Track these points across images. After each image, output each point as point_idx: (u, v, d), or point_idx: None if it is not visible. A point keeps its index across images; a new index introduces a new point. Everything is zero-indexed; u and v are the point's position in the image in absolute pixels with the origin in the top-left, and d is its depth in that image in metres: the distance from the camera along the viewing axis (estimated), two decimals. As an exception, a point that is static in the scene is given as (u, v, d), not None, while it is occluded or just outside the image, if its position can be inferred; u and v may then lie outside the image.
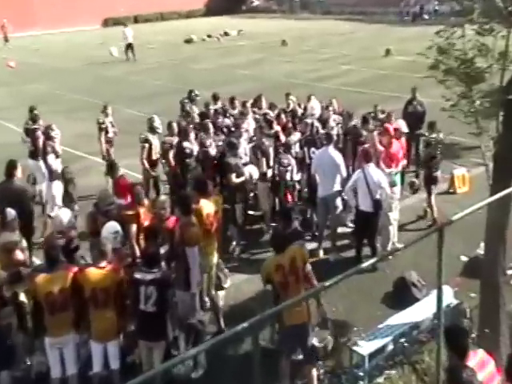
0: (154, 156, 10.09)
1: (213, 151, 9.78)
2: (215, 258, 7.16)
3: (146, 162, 10.07)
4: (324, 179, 9.05)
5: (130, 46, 28.69)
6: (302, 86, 19.58)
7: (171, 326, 6.10)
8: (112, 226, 6.49)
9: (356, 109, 12.34)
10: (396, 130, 9.66)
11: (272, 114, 11.23)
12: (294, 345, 5.94)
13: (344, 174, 9.13)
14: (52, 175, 9.73)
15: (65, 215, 6.88)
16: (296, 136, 10.42)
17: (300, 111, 11.69)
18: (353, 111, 11.25)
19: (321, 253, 9.14)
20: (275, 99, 12.50)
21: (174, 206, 7.87)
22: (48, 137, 10.37)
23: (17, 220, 6.82)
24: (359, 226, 8.84)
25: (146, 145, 9.99)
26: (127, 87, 22.67)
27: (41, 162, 10.39)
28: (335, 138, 9.67)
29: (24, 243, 6.70)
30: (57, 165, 9.90)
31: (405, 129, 10.21)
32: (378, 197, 8.52)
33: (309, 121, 10.53)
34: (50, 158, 9.86)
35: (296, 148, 10.13)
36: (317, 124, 10.42)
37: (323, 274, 7.77)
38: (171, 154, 9.86)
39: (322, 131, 10.08)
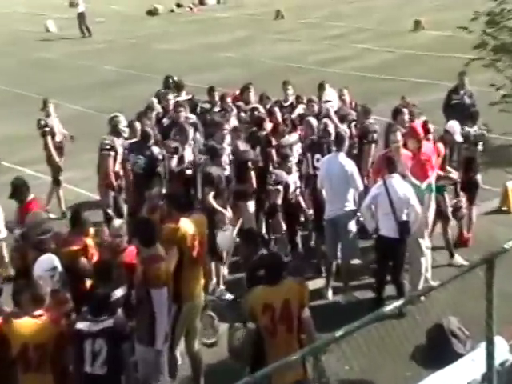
0: (118, 167, 10.16)
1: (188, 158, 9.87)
2: (201, 299, 7.18)
3: (112, 176, 10.06)
4: (332, 195, 9.10)
5: (81, 17, 28.76)
6: (304, 72, 19.79)
7: None
8: (47, 261, 6.48)
9: (374, 101, 12.47)
10: (424, 127, 9.72)
11: (262, 110, 11.31)
12: None
13: (359, 187, 9.19)
14: None
15: None
16: (293, 137, 10.47)
17: (301, 108, 11.72)
18: (370, 105, 11.36)
19: (329, 293, 9.17)
20: (268, 90, 12.61)
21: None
22: None
23: None
24: (380, 257, 8.88)
25: (112, 153, 10.01)
26: (70, 75, 22.83)
27: None
28: (347, 140, 9.73)
29: None
30: None
31: (458, 136, 9.88)
32: (404, 218, 8.58)
33: (312, 120, 10.61)
34: None
35: (294, 154, 10.17)
36: (334, 120, 10.43)
37: (332, 322, 7.85)
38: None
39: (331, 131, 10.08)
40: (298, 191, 9.57)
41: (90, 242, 7.11)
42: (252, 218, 9.69)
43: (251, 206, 9.70)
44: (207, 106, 12.03)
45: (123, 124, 10.17)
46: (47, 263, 6.46)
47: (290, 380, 5.80)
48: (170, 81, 12.98)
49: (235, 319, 7.22)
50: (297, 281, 6.34)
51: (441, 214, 9.81)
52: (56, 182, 11.89)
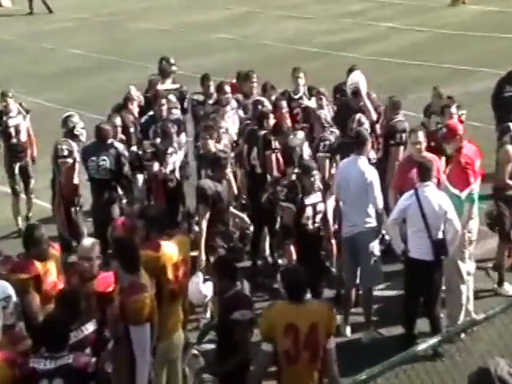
0: (77, 178, 10.19)
1: (169, 165, 9.91)
2: (180, 336, 7.18)
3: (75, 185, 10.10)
4: (350, 208, 9.14)
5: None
6: (316, 57, 19.83)
7: None
8: None
9: (403, 93, 12.50)
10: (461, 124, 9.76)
11: (268, 104, 11.35)
12: None
13: (378, 203, 9.18)
14: None
15: None
16: (299, 135, 10.48)
17: (312, 101, 11.74)
18: (398, 97, 11.40)
19: (347, 329, 9.18)
20: (272, 79, 12.64)
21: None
22: None
23: None
24: (410, 285, 8.88)
25: (70, 160, 10.03)
26: (27, 60, 22.94)
27: None
28: (369, 140, 9.73)
29: None
30: None
31: None
32: (440, 236, 8.60)
33: (323, 113, 10.65)
34: None
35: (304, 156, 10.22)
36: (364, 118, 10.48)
37: (352, 364, 7.88)
38: None
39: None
40: (318, 218, 9.05)
41: (48, 266, 7.11)
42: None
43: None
44: (200, 97, 12.07)
45: (80, 125, 10.24)
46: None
47: None
48: (164, 63, 13.01)
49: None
50: (326, 304, 6.57)
51: (500, 231, 9.88)
52: (14, 193, 11.96)
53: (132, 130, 11.07)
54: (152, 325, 6.33)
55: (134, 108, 11.55)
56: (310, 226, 8.92)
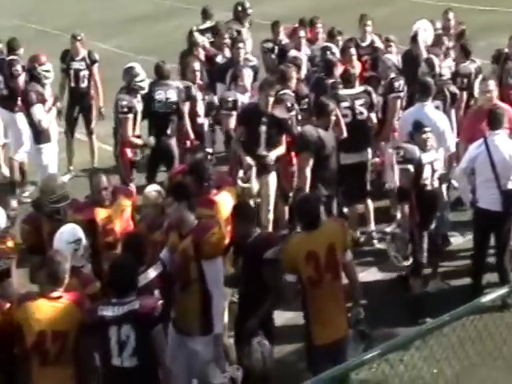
0: (139, 129, 10.21)
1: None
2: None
3: (134, 141, 10.08)
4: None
5: None
6: (385, 3, 19.42)
7: None
8: (71, 232, 6.50)
9: (473, 39, 12.16)
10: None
11: (336, 51, 11.16)
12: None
13: (451, 148, 9.11)
14: (40, 136, 10.31)
15: None
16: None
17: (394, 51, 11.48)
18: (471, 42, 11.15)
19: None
20: (340, 26, 12.43)
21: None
22: (33, 76, 10.69)
23: None
24: (479, 236, 8.78)
25: (130, 115, 10.00)
26: (95, 7, 22.84)
27: (18, 115, 10.76)
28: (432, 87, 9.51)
29: None
30: (46, 120, 10.34)
31: None
32: (510, 186, 8.45)
33: (390, 58, 10.48)
34: (38, 109, 10.28)
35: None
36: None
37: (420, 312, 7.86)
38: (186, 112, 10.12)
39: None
40: (436, 175, 8.61)
41: (110, 213, 7.19)
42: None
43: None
44: (269, 45, 11.95)
45: (141, 77, 10.11)
46: (70, 234, 6.47)
47: (334, 337, 6.37)
48: (239, 8, 12.88)
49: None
50: (338, 222, 6.82)
51: None
52: (68, 135, 12.12)
53: (198, 75, 11.01)
54: (224, 260, 6.49)
55: (200, 53, 11.48)
56: (429, 187, 8.54)
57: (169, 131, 10.15)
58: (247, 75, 10.39)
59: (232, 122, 9.75)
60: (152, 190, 7.46)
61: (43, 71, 10.58)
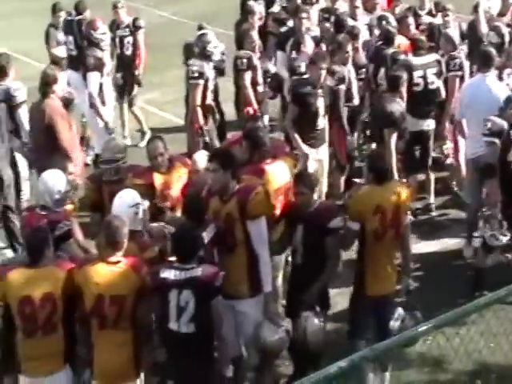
0: (209, 99, 10.10)
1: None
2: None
3: (199, 112, 10.00)
4: (476, 129, 8.83)
5: None
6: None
7: (222, 361, 6.14)
8: (130, 196, 6.50)
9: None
10: None
11: (392, 20, 10.99)
12: (369, 322, 6.69)
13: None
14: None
15: (55, 179, 6.87)
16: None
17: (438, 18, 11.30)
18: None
19: (469, 251, 9.00)
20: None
21: None
22: (91, 42, 10.83)
23: None
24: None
25: (201, 81, 9.95)
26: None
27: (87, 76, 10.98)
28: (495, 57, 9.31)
29: None
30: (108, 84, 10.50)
31: None
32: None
33: (451, 33, 10.29)
34: (93, 76, 10.47)
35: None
36: None
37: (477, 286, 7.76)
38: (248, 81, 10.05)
39: None
40: None
41: (169, 179, 7.23)
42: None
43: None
44: (326, 14, 11.76)
45: (213, 44, 10.07)
46: (130, 198, 6.48)
47: (382, 291, 6.60)
48: None
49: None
50: (404, 184, 7.03)
51: None
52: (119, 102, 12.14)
53: (257, 44, 10.94)
54: (269, 222, 6.46)
55: (255, 22, 11.39)
56: None
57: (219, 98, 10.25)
58: (309, 43, 10.32)
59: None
60: (202, 155, 7.44)
61: (100, 35, 10.68)
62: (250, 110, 10.18)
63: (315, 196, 6.76)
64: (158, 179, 7.24)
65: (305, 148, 8.89)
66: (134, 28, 11.87)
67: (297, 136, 8.90)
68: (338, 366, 3.88)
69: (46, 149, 8.68)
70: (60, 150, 8.63)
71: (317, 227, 6.43)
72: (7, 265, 6.11)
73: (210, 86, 9.97)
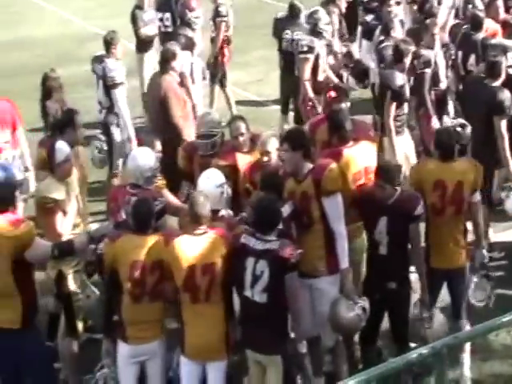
0: (321, 75, 9.73)
1: None
2: (363, 244, 7.04)
3: (307, 85, 9.71)
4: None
5: None
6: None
7: (296, 336, 6.10)
8: (217, 175, 6.51)
9: None
10: None
11: (478, 3, 10.67)
12: (436, 294, 6.62)
13: None
14: None
15: (146, 157, 6.77)
16: None
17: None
18: None
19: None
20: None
21: None
22: (183, 21, 10.83)
23: (70, 159, 6.81)
24: None
25: (310, 56, 9.63)
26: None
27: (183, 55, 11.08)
28: None
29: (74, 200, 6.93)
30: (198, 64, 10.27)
31: None
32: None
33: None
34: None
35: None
36: None
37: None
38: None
39: None
40: None
41: (245, 158, 7.15)
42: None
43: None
44: None
45: (325, 21, 9.75)
46: (217, 177, 6.49)
47: (448, 265, 6.53)
48: None
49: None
50: (471, 161, 6.87)
51: None
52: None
53: (337, 26, 10.81)
54: (343, 197, 6.36)
55: (342, 3, 11.24)
56: None
57: (296, 72, 10.03)
58: (398, 29, 10.19)
59: None
60: (271, 136, 7.35)
61: (193, 17, 10.71)
62: (332, 93, 10.03)
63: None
64: (241, 160, 7.23)
65: (395, 139, 8.78)
66: (216, 14, 11.84)
67: (393, 127, 8.81)
68: (419, 353, 3.89)
69: (158, 123, 8.77)
70: (172, 128, 8.66)
71: (402, 216, 6.34)
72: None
73: (322, 64, 9.66)
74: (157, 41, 11.57)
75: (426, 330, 6.37)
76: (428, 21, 9.86)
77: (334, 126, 7.05)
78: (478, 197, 6.64)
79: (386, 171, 6.48)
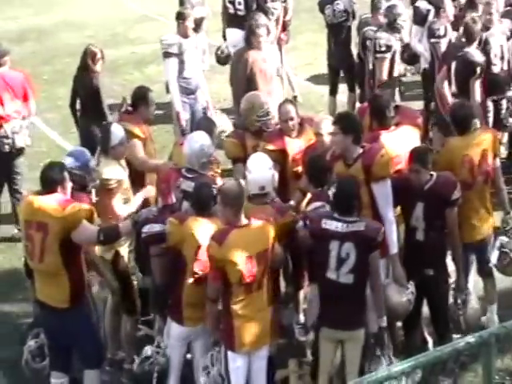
0: (396, 70, 9.49)
1: None
2: None
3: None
4: None
5: None
6: None
7: (377, 311, 6.01)
8: (267, 159, 6.41)
9: None
10: None
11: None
12: (470, 270, 6.85)
13: None
14: None
15: (203, 142, 6.62)
16: None
17: None
18: None
19: None
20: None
21: None
22: (261, 7, 10.66)
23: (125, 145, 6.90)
24: None
25: (388, 55, 9.29)
26: None
27: None
28: None
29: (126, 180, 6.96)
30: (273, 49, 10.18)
31: None
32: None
33: None
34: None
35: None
36: None
37: None
38: None
39: None
40: None
41: (299, 143, 7.15)
42: None
43: None
44: None
45: (404, 17, 9.43)
46: (267, 160, 6.40)
47: (479, 236, 6.71)
48: None
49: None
50: (490, 130, 7.14)
51: None
52: None
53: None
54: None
55: None
56: None
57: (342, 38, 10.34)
58: (450, 8, 10.02)
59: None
60: (325, 118, 7.30)
61: (272, 8, 10.54)
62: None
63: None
64: (289, 144, 7.21)
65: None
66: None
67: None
68: (466, 342, 3.87)
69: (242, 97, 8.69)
70: None
71: (439, 201, 6.28)
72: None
73: (397, 59, 9.44)
74: (205, 23, 11.56)
75: (459, 316, 6.37)
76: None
77: (375, 110, 7.04)
78: (498, 162, 6.83)
79: (419, 154, 6.43)
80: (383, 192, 6.25)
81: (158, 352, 5.87)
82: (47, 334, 6.02)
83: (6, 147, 8.58)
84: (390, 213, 6.29)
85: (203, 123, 7.37)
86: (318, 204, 6.25)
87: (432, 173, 6.32)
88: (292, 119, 7.21)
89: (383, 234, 5.82)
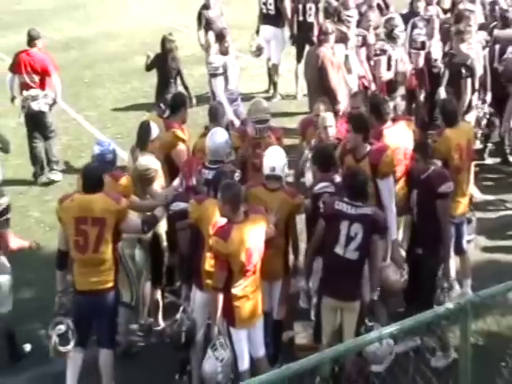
0: (392, 75, 9.07)
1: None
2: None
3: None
4: None
5: None
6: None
7: (372, 286, 6.02)
8: (281, 154, 6.24)
9: None
10: None
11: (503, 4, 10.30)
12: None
13: None
14: None
15: (224, 136, 6.47)
16: None
17: None
18: None
19: None
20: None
21: None
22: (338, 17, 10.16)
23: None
24: None
25: (383, 58, 9.09)
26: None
27: (281, 30, 10.94)
28: None
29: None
30: (353, 56, 9.77)
31: None
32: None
33: None
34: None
35: None
36: None
37: None
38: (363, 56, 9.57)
39: None
40: None
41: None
42: None
43: None
44: None
45: (400, 29, 9.14)
46: (281, 155, 6.24)
47: (463, 212, 6.84)
48: None
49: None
50: (469, 123, 7.55)
51: None
52: None
53: (369, 23, 10.31)
54: (394, 176, 6.42)
55: (374, 1, 10.83)
56: None
57: None
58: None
59: None
60: (329, 114, 7.23)
61: (346, 16, 9.90)
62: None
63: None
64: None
65: None
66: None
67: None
68: (446, 308, 3.87)
69: (316, 88, 8.73)
70: (328, 91, 8.57)
71: (428, 192, 6.28)
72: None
73: (393, 64, 9.10)
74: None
75: (445, 299, 6.20)
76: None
77: (373, 107, 7.03)
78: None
79: (420, 145, 6.48)
80: (387, 186, 6.32)
81: (185, 315, 5.88)
82: (81, 316, 5.80)
83: (24, 109, 9.44)
84: (392, 204, 6.35)
85: (220, 121, 7.24)
86: (324, 184, 6.26)
87: (432, 165, 6.30)
88: (317, 116, 7.24)
89: (385, 221, 5.91)
